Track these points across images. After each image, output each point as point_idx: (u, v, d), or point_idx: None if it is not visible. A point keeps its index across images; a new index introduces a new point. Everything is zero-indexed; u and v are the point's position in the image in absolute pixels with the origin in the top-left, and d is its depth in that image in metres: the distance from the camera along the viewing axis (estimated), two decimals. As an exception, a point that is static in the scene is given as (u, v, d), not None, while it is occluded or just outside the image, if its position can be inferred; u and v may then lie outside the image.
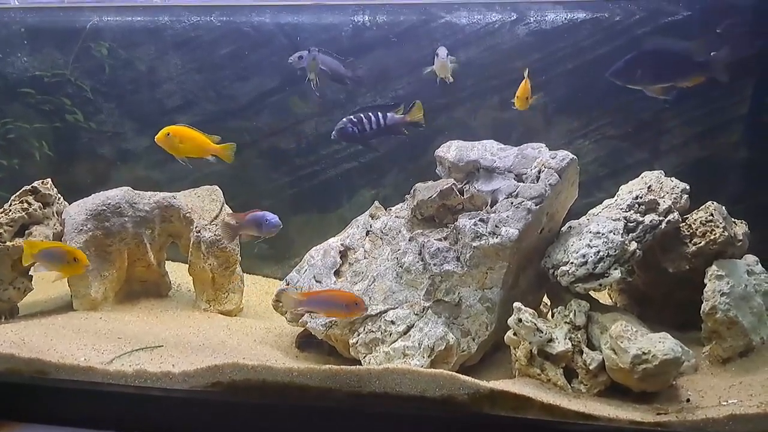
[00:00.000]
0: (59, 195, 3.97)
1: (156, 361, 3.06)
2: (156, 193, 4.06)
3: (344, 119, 3.26)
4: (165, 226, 4.08)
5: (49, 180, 3.93)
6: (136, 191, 4.01)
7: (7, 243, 3.66)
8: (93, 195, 3.97)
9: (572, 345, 2.95)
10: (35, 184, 3.85)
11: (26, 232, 3.75)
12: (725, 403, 2.75)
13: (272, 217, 3.22)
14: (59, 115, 4.96)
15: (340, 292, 3.22)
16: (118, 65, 4.91)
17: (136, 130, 4.93)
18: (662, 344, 2.74)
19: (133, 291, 4.11)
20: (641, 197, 3.31)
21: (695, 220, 3.38)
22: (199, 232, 3.97)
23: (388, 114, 3.19)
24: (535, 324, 2.94)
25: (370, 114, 3.18)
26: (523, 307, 2.99)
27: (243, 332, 3.64)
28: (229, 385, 2.88)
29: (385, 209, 3.74)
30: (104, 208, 3.87)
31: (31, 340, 3.20)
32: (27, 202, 3.78)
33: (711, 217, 3.33)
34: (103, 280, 3.88)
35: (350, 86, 3.76)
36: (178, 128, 3.38)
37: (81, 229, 3.82)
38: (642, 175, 3.62)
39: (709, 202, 3.42)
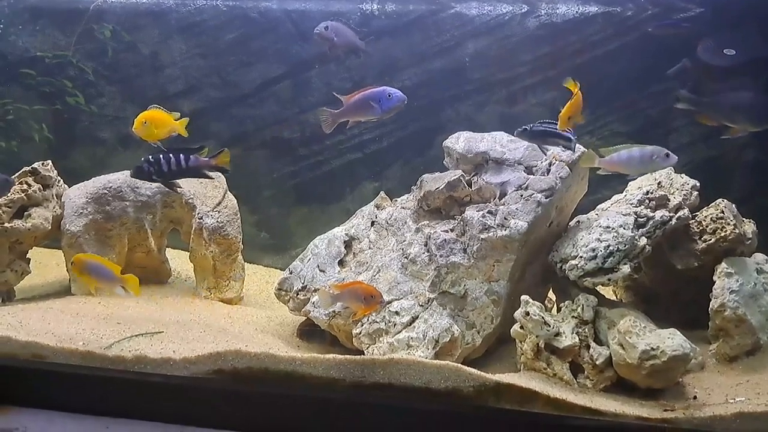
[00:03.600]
0: (59, 177, 3.91)
1: (156, 347, 3.00)
2: (158, 177, 4.00)
3: (143, 158, 3.29)
4: (166, 211, 4.02)
5: (50, 162, 3.87)
6: (138, 175, 3.95)
7: (6, 224, 3.60)
8: (94, 178, 3.92)
9: (579, 339, 2.91)
10: (35, 165, 3.79)
11: (25, 213, 3.69)
12: (732, 401, 2.72)
13: (395, 92, 2.73)
14: (60, 98, 4.88)
15: (360, 284, 3.08)
16: (121, 48, 4.84)
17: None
18: (671, 340, 2.71)
19: (133, 277, 4.05)
20: (651, 193, 3.29)
21: (705, 216, 3.35)
22: (202, 218, 3.91)
23: (191, 156, 3.20)
24: (542, 317, 2.91)
25: (171, 156, 3.20)
26: (530, 300, 2.96)
27: (244, 320, 3.60)
28: (231, 372, 2.83)
29: (391, 200, 3.70)
30: (105, 191, 3.82)
31: (28, 323, 3.14)
32: (26, 183, 3.72)
33: (721, 214, 3.30)
34: (102, 265, 3.82)
35: (362, 58, 3.71)
36: (151, 114, 3.33)
37: (81, 213, 3.76)
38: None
39: (720, 199, 3.39)
